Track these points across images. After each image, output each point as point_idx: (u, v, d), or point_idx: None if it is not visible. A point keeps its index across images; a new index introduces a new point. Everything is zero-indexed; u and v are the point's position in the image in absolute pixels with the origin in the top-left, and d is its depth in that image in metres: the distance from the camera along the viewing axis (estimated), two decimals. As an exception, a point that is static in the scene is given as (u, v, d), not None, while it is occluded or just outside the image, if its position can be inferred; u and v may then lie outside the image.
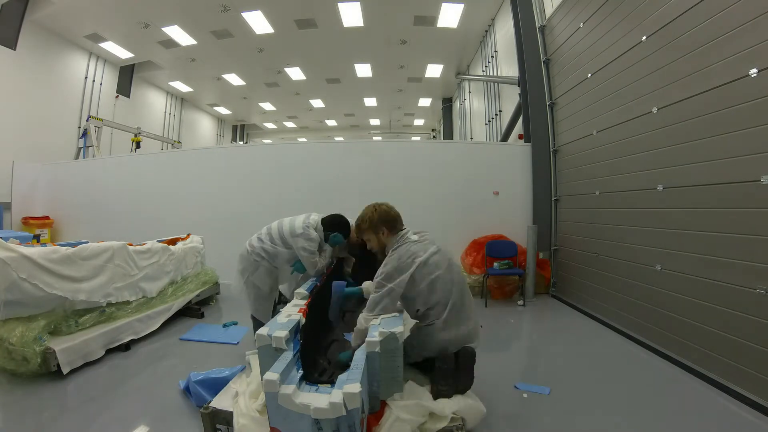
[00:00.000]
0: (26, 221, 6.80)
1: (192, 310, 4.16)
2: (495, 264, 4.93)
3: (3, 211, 6.84)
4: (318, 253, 2.80)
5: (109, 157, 8.27)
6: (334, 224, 2.84)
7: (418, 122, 16.84)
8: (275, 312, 2.85)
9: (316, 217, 2.85)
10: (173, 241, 4.45)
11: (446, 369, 1.90)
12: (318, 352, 2.35)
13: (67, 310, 2.92)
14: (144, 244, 3.87)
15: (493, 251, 5.06)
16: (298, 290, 2.38)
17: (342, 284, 2.49)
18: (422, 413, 1.72)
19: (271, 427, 1.46)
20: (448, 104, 13.61)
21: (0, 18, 7.24)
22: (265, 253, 2.81)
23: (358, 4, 7.62)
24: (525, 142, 5.69)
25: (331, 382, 1.54)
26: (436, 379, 1.90)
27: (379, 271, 2.03)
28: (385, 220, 2.20)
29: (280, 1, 7.57)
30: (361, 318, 1.98)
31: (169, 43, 9.27)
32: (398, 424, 1.66)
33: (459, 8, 7.68)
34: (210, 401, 1.95)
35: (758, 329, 2.37)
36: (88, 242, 3.34)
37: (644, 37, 3.45)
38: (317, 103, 14.19)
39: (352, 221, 2.71)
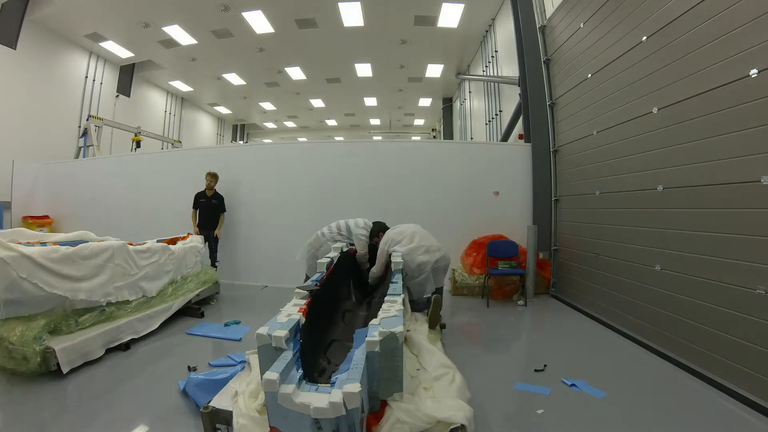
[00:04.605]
0: (26, 220, 6.81)
1: (192, 310, 4.16)
2: (499, 264, 4.93)
3: (3, 211, 6.84)
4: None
5: (109, 156, 8.27)
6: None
7: (419, 122, 16.84)
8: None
9: (368, 221, 4.11)
10: (173, 241, 4.45)
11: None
12: (318, 351, 2.35)
13: (67, 310, 2.92)
14: (144, 243, 3.88)
15: (494, 251, 5.05)
16: (298, 290, 2.39)
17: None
18: (425, 420, 1.70)
19: (270, 427, 1.46)
20: (448, 104, 13.60)
21: (0, 17, 7.24)
22: (331, 237, 4.01)
23: (359, 4, 7.62)
24: (525, 142, 5.69)
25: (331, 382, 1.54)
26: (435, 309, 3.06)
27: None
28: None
29: (281, 1, 7.57)
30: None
31: (170, 43, 9.27)
32: (398, 425, 1.66)
33: (459, 8, 7.69)
34: (210, 401, 1.95)
35: (758, 329, 2.37)
36: (88, 242, 3.34)
37: (645, 38, 3.45)
38: (317, 102, 14.19)
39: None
